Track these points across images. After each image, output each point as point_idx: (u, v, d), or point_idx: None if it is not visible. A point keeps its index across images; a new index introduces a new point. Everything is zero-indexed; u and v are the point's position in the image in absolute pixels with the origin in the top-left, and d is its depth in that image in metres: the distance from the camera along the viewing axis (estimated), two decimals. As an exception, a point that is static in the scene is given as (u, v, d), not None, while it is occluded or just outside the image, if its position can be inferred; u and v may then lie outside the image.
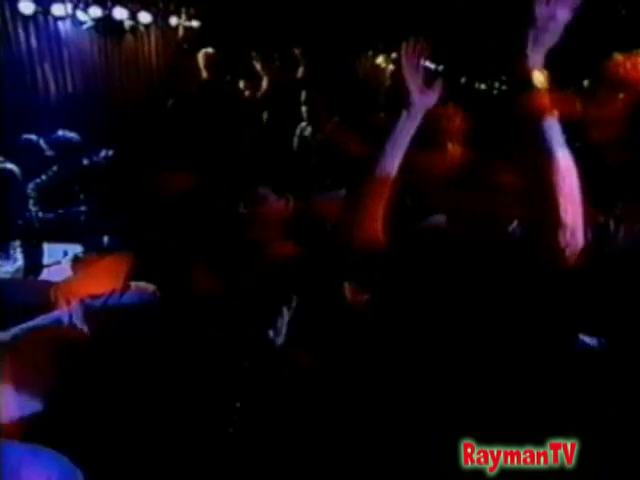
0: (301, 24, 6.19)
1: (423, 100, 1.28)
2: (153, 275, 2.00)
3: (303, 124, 3.51)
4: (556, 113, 1.10)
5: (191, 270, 1.78)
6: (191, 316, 1.41)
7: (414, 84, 1.26)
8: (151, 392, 1.36)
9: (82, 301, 1.79)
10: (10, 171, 2.80)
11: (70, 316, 1.57)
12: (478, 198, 1.62)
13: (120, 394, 1.40)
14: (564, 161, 1.09)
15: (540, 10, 1.10)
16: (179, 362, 1.36)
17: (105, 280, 2.32)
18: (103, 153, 3.48)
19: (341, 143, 3.10)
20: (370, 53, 8.43)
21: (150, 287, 1.90)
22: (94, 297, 1.85)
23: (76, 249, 2.85)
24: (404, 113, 1.27)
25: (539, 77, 1.10)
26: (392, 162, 1.29)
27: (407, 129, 1.28)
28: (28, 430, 1.40)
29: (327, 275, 1.48)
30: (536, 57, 1.11)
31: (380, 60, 8.56)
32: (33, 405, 1.48)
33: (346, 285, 1.50)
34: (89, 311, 1.62)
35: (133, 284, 1.94)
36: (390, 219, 1.81)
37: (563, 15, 1.11)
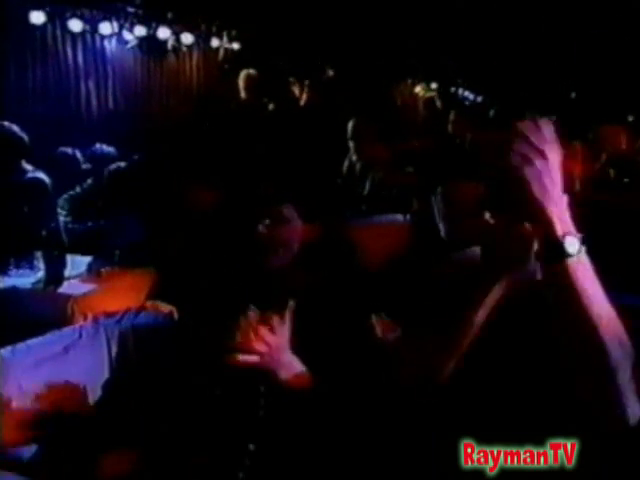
0: (342, 49, 6.22)
1: None
2: (173, 294, 1.94)
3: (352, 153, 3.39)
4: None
5: (210, 292, 1.71)
6: (206, 347, 1.31)
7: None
8: (155, 427, 1.28)
9: (96, 318, 1.74)
10: (39, 180, 2.79)
11: (80, 334, 1.51)
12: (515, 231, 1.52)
13: (123, 423, 1.33)
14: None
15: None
16: (188, 396, 1.27)
17: (125, 296, 2.27)
18: (114, 166, 3.42)
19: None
20: (409, 81, 8.43)
21: (167, 308, 1.83)
22: (109, 314, 1.79)
23: (99, 263, 2.83)
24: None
25: (573, 243, 0.77)
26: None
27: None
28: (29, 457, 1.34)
29: (355, 308, 1.37)
30: (560, 212, 0.78)
31: (419, 89, 8.55)
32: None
33: (374, 319, 1.39)
34: (101, 330, 1.55)
35: (149, 304, 1.88)
36: (423, 251, 1.72)
37: (553, 153, 0.77)
